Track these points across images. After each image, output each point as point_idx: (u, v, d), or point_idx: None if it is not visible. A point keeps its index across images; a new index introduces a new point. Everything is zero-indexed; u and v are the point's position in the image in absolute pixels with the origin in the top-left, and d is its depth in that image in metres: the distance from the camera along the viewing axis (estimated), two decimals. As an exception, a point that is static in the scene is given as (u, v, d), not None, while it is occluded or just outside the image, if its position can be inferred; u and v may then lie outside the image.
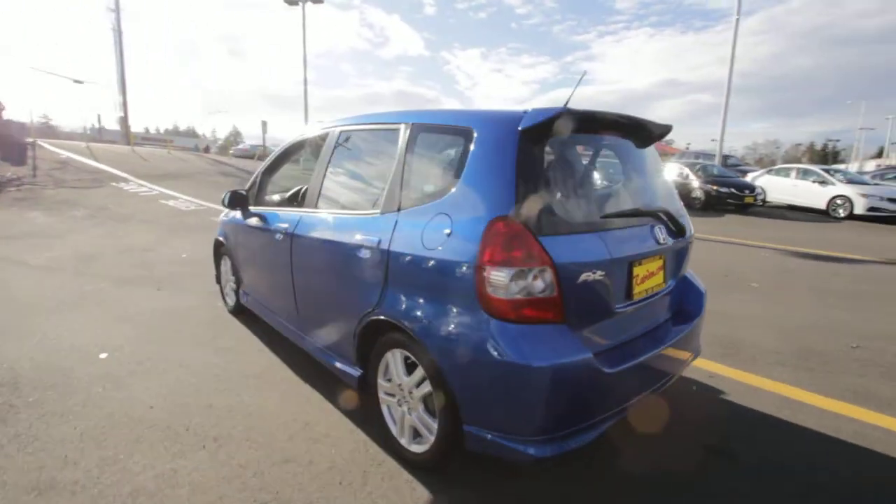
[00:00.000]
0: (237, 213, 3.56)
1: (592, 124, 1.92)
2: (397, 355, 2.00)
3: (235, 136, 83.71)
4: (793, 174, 13.75)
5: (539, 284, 1.59)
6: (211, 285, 4.42)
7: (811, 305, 4.58)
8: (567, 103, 1.91)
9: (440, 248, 1.75)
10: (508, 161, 1.68)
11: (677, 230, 2.22)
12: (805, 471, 2.04)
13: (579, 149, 2.12)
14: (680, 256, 2.32)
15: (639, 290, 1.95)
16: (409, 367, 1.97)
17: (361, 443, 2.19)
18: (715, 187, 12.58)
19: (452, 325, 1.69)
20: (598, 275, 1.72)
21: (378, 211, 2.12)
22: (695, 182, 12.92)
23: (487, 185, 1.70)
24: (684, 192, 12.73)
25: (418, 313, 1.81)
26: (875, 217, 11.52)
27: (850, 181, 12.58)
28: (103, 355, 3.06)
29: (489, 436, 1.65)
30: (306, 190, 2.80)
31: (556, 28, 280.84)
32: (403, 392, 1.99)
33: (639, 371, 1.81)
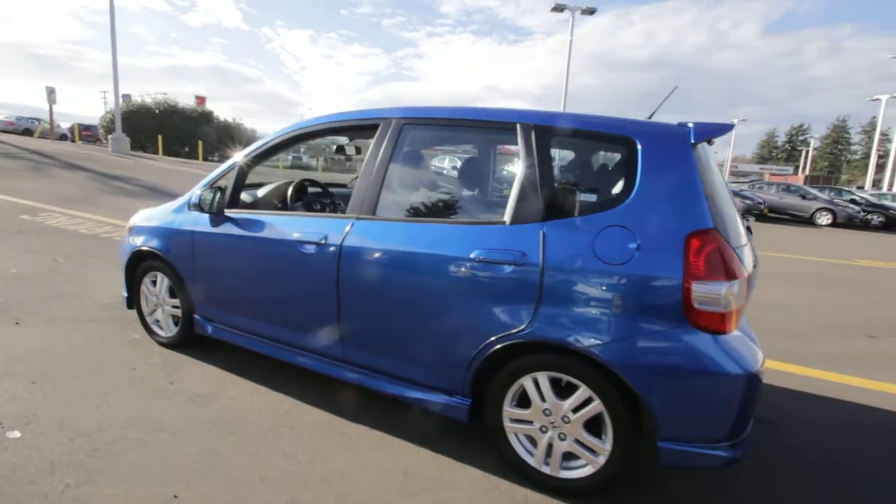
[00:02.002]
0: (187, 217, 2.72)
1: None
2: (543, 378, 1.84)
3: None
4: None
5: (740, 295, 1.65)
6: (85, 309, 3.41)
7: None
8: (652, 116, 2.01)
9: (627, 262, 1.66)
10: (695, 175, 1.69)
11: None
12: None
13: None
14: None
15: None
16: (561, 390, 1.84)
17: (481, 479, 1.95)
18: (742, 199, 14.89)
19: (654, 342, 1.63)
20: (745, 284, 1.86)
21: (505, 220, 1.89)
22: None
23: (677, 198, 1.68)
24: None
25: (599, 331, 1.69)
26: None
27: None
28: (14, 434, 2.02)
29: (685, 447, 1.66)
30: (349, 192, 2.31)
31: (387, 21, 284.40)
32: (553, 417, 1.84)
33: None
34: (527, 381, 1.87)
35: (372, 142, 2.26)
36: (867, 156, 51.70)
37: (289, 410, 2.39)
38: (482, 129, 2.14)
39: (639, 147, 1.77)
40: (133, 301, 3.12)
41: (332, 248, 2.19)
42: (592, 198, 1.81)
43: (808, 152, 57.50)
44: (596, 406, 1.75)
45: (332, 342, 2.30)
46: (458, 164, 2.14)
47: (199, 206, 2.56)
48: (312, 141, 2.86)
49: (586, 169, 1.93)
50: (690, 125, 1.77)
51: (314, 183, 3.21)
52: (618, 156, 1.80)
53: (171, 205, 2.97)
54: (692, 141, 1.74)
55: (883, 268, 8.48)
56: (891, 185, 29.67)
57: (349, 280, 2.16)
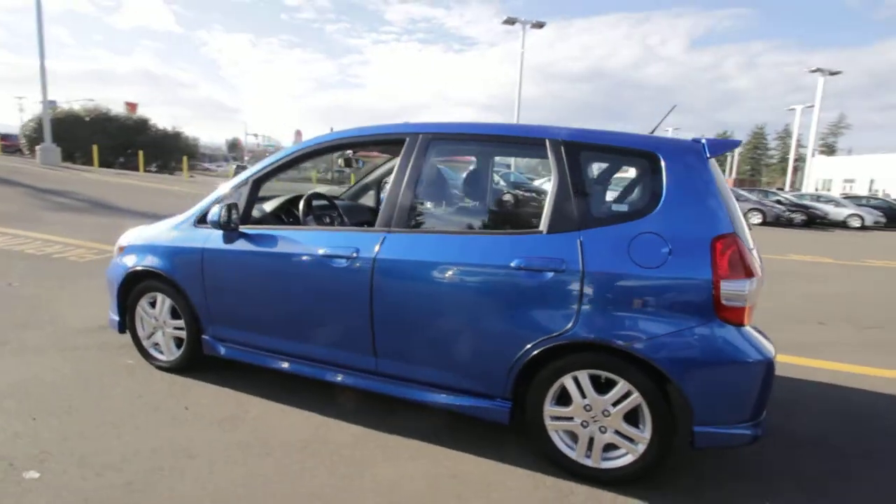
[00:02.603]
0: (193, 234, 2.64)
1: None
2: (584, 376, 1.96)
3: None
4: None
5: (757, 291, 1.86)
6: (62, 336, 3.25)
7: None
8: (655, 130, 2.22)
9: (661, 266, 1.83)
10: (713, 184, 1.89)
11: None
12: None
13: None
14: None
15: None
16: (600, 386, 1.97)
17: (526, 477, 2.03)
18: (522, 192, 15.03)
19: (688, 336, 1.80)
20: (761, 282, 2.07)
21: (541, 229, 2.01)
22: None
23: (700, 206, 1.87)
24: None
25: (638, 330, 1.84)
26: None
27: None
28: (31, 474, 1.87)
29: (717, 429, 1.84)
30: (377, 207, 2.34)
31: (331, 27, 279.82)
32: (594, 412, 1.97)
33: None
34: (567, 381, 1.99)
35: (399, 156, 2.31)
36: (783, 159, 56.96)
37: (318, 426, 2.36)
38: (510, 144, 2.25)
39: (662, 161, 1.95)
40: (127, 325, 2.95)
41: (364, 262, 2.21)
42: (623, 207, 1.97)
43: (732, 157, 62.62)
44: (635, 399, 1.90)
45: (364, 355, 2.31)
46: (491, 176, 2.25)
47: (210, 222, 2.48)
48: (332, 154, 2.85)
49: (613, 181, 2.09)
50: (703, 141, 1.98)
51: (321, 196, 3.19)
52: (643, 169, 1.97)
53: (170, 222, 2.86)
54: (707, 155, 1.94)
55: (813, 261, 9.45)
56: (806, 186, 33.05)
57: (384, 293, 2.19)
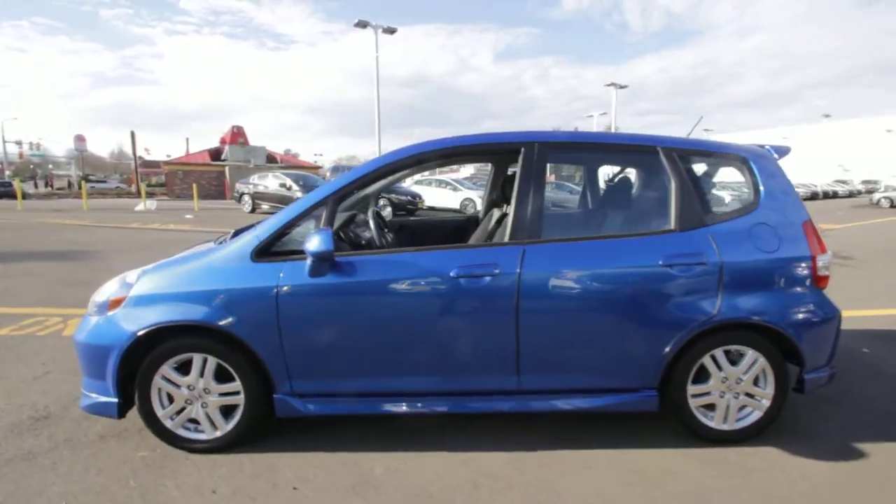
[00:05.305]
0: (256, 271, 2.13)
1: None
2: (719, 353, 2.24)
3: None
4: (433, 184, 18.19)
5: None
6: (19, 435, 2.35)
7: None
8: (690, 133, 2.69)
9: (777, 249, 2.21)
10: (788, 180, 2.35)
11: None
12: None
13: None
14: None
15: None
16: (731, 358, 2.28)
17: (685, 457, 2.22)
18: (395, 195, 15.05)
19: (800, 304, 2.22)
20: None
21: (672, 228, 2.22)
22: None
23: (788, 197, 2.31)
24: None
25: (767, 304, 2.19)
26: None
27: (470, 188, 18.00)
28: None
29: (816, 374, 2.31)
30: (501, 220, 2.23)
31: (107, 13, 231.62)
32: (729, 382, 2.26)
33: None
34: (706, 360, 2.25)
35: (519, 166, 2.25)
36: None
37: (466, 462, 2.16)
38: (621, 152, 2.40)
39: (752, 163, 2.34)
40: (139, 404, 2.18)
41: (507, 278, 2.11)
42: (737, 204, 2.30)
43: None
44: (761, 364, 2.25)
45: (504, 375, 2.20)
46: (610, 181, 2.34)
47: (312, 254, 2.01)
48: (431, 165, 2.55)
49: (728, 182, 2.41)
50: (768, 147, 2.45)
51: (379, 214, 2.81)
52: (744, 170, 2.34)
53: (203, 259, 2.23)
54: (776, 157, 2.41)
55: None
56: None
57: (531, 306, 2.12)
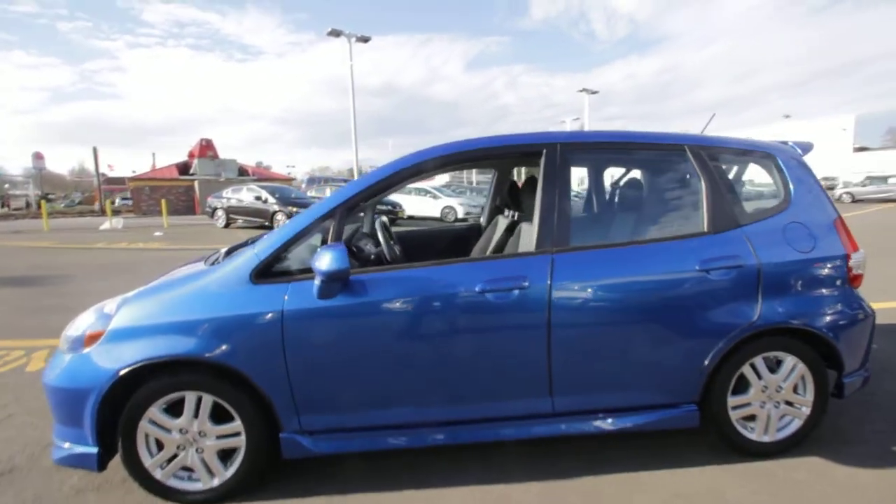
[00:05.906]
0: (257, 295, 1.89)
1: None
2: (759, 361, 2.12)
3: None
4: (413, 192, 17.95)
5: None
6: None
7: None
8: (703, 130, 2.60)
9: (813, 248, 2.10)
10: (816, 177, 2.26)
11: None
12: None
13: None
14: None
15: None
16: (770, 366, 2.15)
17: (724, 473, 2.08)
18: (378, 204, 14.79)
19: (837, 303, 2.11)
20: None
21: (705, 230, 2.09)
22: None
23: (818, 196, 2.21)
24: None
25: (807, 307, 2.07)
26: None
27: (450, 195, 17.84)
28: None
29: (853, 377, 2.21)
30: (512, 228, 2.07)
31: (65, 26, 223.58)
32: (770, 391, 2.14)
33: None
34: (746, 368, 2.11)
35: (541, 171, 2.08)
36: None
37: (499, 498, 1.96)
38: (646, 151, 2.26)
39: (780, 160, 2.24)
40: (123, 454, 1.90)
41: (538, 291, 1.93)
42: (771, 202, 2.19)
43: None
44: (800, 370, 2.14)
45: (537, 397, 2.02)
46: (633, 181, 2.20)
47: (323, 274, 1.78)
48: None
49: (744, 180, 2.30)
50: (791, 143, 2.36)
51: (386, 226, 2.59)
52: (772, 168, 2.23)
53: (193, 283, 1.97)
54: (801, 154, 2.32)
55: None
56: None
57: (564, 320, 1.95)
